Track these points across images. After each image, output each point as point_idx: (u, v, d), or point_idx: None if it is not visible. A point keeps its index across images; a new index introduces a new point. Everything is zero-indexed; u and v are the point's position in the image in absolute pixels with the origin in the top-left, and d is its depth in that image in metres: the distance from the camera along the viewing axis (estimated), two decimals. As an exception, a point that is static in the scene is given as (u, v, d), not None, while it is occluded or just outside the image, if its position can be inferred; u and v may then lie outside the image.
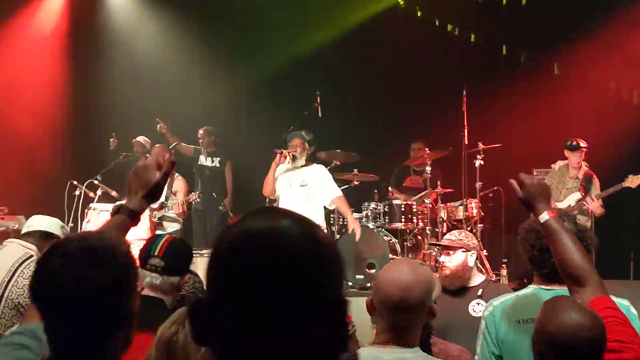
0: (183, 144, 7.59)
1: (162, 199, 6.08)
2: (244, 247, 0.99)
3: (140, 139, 7.35)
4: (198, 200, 6.53)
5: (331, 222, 6.45)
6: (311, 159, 5.98)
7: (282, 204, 5.52)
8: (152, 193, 1.66)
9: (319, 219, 5.56)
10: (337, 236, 6.24)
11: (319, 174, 5.81)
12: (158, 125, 7.40)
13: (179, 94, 8.20)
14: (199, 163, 7.60)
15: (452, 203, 7.06)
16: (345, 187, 6.50)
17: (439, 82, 7.95)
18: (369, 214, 6.74)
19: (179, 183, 6.69)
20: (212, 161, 7.65)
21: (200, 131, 7.62)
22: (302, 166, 5.88)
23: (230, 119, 8.48)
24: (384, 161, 7.88)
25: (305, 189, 5.79)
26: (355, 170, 6.87)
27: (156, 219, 6.50)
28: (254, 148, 7.89)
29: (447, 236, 3.79)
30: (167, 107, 7.93)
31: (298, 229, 1.03)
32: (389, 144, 8.12)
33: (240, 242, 0.99)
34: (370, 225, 6.48)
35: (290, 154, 5.80)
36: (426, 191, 6.99)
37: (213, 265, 1.01)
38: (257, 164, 6.87)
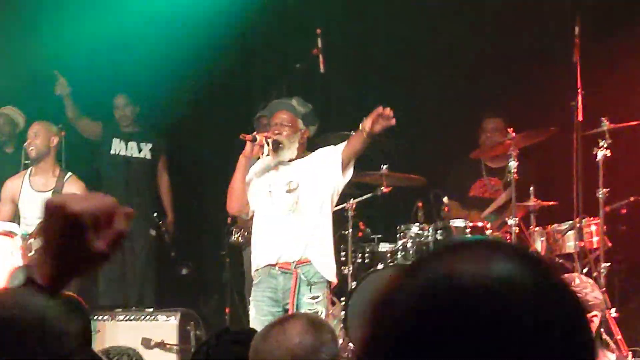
0: (86, 119, 7.17)
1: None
2: (448, 309, 0.95)
3: (7, 110, 6.94)
4: None
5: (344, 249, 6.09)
6: (306, 149, 5.48)
7: (259, 225, 5.23)
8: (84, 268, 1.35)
9: (322, 244, 5.19)
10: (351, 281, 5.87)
11: (320, 163, 5.29)
12: (58, 83, 6.96)
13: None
14: (110, 152, 7.19)
15: (555, 226, 6.40)
16: (364, 197, 6.24)
17: (528, 13, 7.52)
18: (409, 245, 6.14)
19: (72, 188, 6.24)
20: (137, 148, 7.24)
21: (117, 99, 7.26)
22: (291, 160, 5.30)
23: (166, 82, 7.49)
24: (434, 152, 7.51)
25: (293, 196, 5.23)
26: (384, 167, 6.26)
27: (33, 253, 5.70)
28: (209, 132, 7.68)
29: None
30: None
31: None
32: (443, 121, 7.65)
33: (441, 301, 0.96)
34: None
35: (270, 140, 5.22)
36: (508, 205, 6.27)
37: (388, 338, 0.98)
38: (215, 159, 7.02)
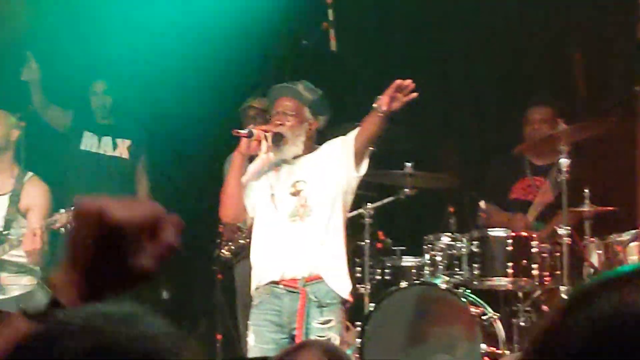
0: (56, 107, 7.09)
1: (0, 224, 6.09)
2: (629, 344, 1.04)
3: None
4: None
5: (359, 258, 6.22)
6: (314, 144, 5.42)
7: (260, 235, 5.14)
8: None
9: (335, 257, 5.04)
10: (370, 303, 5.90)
11: (329, 158, 5.23)
12: (27, 66, 6.85)
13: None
14: (80, 147, 7.11)
15: (615, 236, 6.21)
16: (384, 202, 6.32)
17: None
18: (439, 259, 6.20)
19: (33, 191, 6.25)
20: (112, 145, 7.16)
21: (95, 86, 7.15)
22: (296, 157, 5.25)
23: (148, 67, 7.55)
24: (468, 147, 7.59)
25: (300, 199, 5.15)
26: (409, 165, 6.27)
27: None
28: (198, 127, 7.57)
29: None
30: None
31: None
32: (480, 110, 7.69)
33: (620, 336, 1.04)
34: (441, 282, 6.12)
35: (270, 134, 5.13)
36: (558, 210, 6.28)
37: None
38: (205, 159, 7.14)
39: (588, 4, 7.49)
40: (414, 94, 5.06)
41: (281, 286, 4.82)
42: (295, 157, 5.22)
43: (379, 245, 6.28)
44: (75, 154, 7.07)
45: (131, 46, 7.39)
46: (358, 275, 6.06)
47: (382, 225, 6.29)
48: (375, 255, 6.19)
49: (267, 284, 4.85)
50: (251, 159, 5.47)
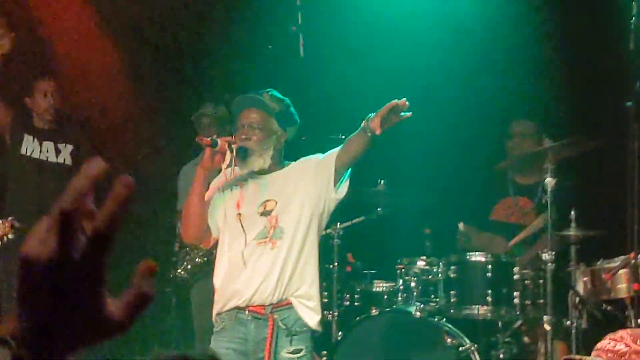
0: None
1: None
2: None
3: None
4: (10, 237, 5.58)
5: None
6: (283, 157, 5.20)
7: (224, 257, 4.92)
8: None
9: (307, 282, 4.84)
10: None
11: (305, 175, 5.05)
12: None
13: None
14: (19, 151, 6.96)
15: (602, 262, 6.07)
16: (355, 221, 6.21)
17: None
18: (413, 284, 6.12)
19: None
20: (55, 150, 7.00)
21: (39, 83, 6.96)
22: (263, 172, 5.03)
23: (94, 66, 7.55)
24: (447, 163, 7.34)
25: (270, 219, 4.96)
26: (382, 182, 6.24)
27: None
28: (152, 134, 7.49)
29: (600, 345, 3.26)
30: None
31: None
32: (459, 124, 7.40)
33: None
34: (415, 309, 6.00)
35: (234, 145, 4.95)
36: (542, 233, 6.23)
37: None
38: (160, 170, 6.87)
39: (576, 17, 7.39)
40: (408, 114, 4.90)
41: (247, 312, 4.59)
42: (263, 173, 5.04)
43: (348, 268, 6.12)
44: (14, 157, 6.90)
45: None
46: (325, 300, 5.90)
47: (352, 246, 6.17)
48: (344, 279, 6.10)
49: (231, 310, 4.62)
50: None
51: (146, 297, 1.19)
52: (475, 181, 6.90)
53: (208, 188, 5.14)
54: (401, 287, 6.02)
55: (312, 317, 4.67)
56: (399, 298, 6.01)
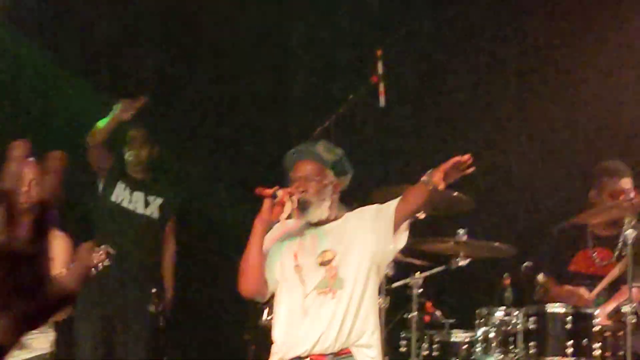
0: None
1: None
2: None
3: None
4: (106, 264, 5.47)
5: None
6: (339, 207, 5.19)
7: (283, 308, 4.87)
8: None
9: (368, 331, 4.74)
10: None
11: (364, 225, 4.98)
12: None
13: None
14: (111, 199, 6.92)
15: None
16: (434, 271, 6.13)
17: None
18: (492, 335, 6.04)
19: (54, 243, 5.59)
20: (144, 202, 6.98)
21: (133, 132, 6.91)
22: (321, 222, 4.99)
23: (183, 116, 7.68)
24: (525, 214, 7.38)
25: (329, 269, 4.88)
26: (462, 232, 6.12)
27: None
28: (229, 188, 7.45)
29: None
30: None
31: None
32: (539, 175, 7.42)
33: None
34: None
35: (295, 197, 4.92)
36: (622, 285, 6.08)
37: None
38: (240, 221, 6.22)
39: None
40: (471, 169, 4.83)
41: None
42: (321, 223, 4.98)
43: (427, 317, 6.02)
44: (106, 202, 6.89)
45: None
46: (403, 349, 5.87)
47: (431, 296, 6.06)
48: (422, 328, 5.97)
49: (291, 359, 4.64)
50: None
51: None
52: (554, 232, 6.62)
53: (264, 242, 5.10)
54: (480, 337, 5.93)
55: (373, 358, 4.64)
56: (478, 348, 5.93)
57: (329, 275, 4.84)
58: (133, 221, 6.86)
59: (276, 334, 4.71)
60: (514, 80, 7.72)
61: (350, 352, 4.57)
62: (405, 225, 4.94)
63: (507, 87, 7.63)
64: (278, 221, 5.00)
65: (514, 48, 7.60)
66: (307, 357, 4.56)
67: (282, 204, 4.84)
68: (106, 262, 5.51)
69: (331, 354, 4.55)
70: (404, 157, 7.26)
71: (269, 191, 4.84)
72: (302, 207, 4.91)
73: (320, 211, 4.93)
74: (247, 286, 4.98)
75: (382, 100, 6.41)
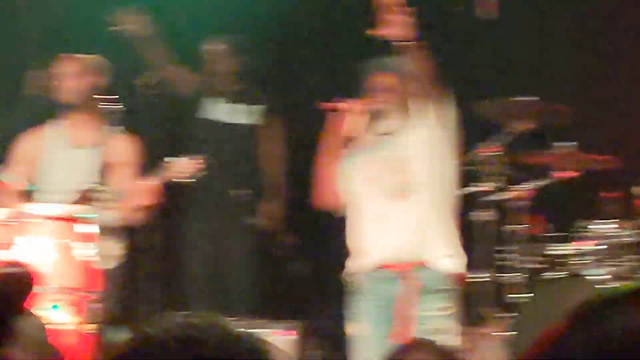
0: (179, 66, 6.73)
1: (88, 178, 5.36)
2: None
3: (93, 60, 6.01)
4: (201, 174, 5.57)
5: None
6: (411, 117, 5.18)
7: (358, 218, 4.92)
8: None
9: (447, 236, 4.79)
10: None
11: (434, 131, 4.99)
12: (138, 22, 6.42)
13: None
14: (204, 116, 6.80)
15: None
16: (543, 183, 6.06)
17: None
18: (602, 247, 5.96)
19: (123, 146, 5.74)
20: (245, 113, 6.88)
21: (215, 45, 6.81)
22: (393, 133, 5.03)
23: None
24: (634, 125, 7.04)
25: (402, 177, 4.97)
26: (571, 144, 6.10)
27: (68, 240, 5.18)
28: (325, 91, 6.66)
29: None
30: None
31: None
32: None
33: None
34: (604, 273, 5.87)
35: (366, 110, 5.00)
36: None
37: None
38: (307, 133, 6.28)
39: None
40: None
41: (386, 270, 4.60)
42: (394, 134, 5.06)
43: (535, 230, 5.99)
44: (200, 120, 6.86)
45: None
46: (508, 262, 5.86)
47: (539, 208, 6.00)
48: (527, 241, 5.94)
49: (370, 270, 4.65)
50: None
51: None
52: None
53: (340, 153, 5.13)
54: (588, 250, 5.88)
55: (453, 273, 4.62)
56: (587, 261, 5.87)
57: (404, 182, 4.91)
58: (235, 133, 6.85)
59: (350, 244, 4.78)
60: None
61: (429, 261, 4.56)
62: None
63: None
64: (349, 133, 5.08)
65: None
66: (384, 266, 4.60)
67: (350, 112, 4.94)
68: (202, 174, 5.58)
69: (410, 262, 4.57)
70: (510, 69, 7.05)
71: (337, 105, 4.94)
72: (375, 117, 5.00)
73: (392, 122, 5.00)
74: (321, 198, 5.10)
75: (482, 11, 6.33)
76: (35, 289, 3.58)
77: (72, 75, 5.63)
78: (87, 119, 5.55)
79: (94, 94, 5.50)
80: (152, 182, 5.50)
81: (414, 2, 5.32)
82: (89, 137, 5.54)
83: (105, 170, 5.67)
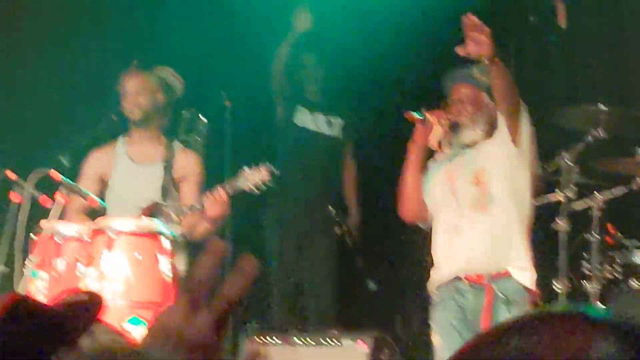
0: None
1: (154, 194, 5.52)
2: None
3: (163, 72, 5.92)
4: (268, 184, 5.39)
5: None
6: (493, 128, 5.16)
7: (440, 229, 4.92)
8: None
9: (522, 249, 4.75)
10: None
11: (510, 143, 4.97)
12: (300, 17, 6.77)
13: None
14: (292, 120, 6.89)
15: None
16: (618, 191, 5.89)
17: None
18: None
19: (186, 160, 5.75)
20: (327, 122, 6.92)
21: (306, 58, 7.00)
22: (474, 144, 5.01)
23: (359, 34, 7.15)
24: None
25: (480, 188, 4.93)
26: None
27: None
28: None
29: None
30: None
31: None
32: None
33: None
34: None
35: (446, 121, 4.98)
36: None
37: None
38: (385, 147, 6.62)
39: None
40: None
41: (465, 282, 4.61)
42: (474, 144, 5.04)
43: (609, 239, 5.84)
44: (290, 129, 6.92)
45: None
46: (586, 271, 5.66)
47: (613, 217, 5.86)
48: (603, 250, 5.77)
49: (450, 281, 4.66)
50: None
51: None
52: None
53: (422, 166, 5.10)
54: None
55: (529, 285, 4.59)
56: None
57: (482, 193, 4.88)
58: (317, 142, 6.90)
59: (435, 256, 4.78)
60: None
61: (508, 272, 4.55)
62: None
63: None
64: (433, 144, 5.02)
65: None
66: (464, 277, 4.60)
67: (430, 127, 4.91)
68: (268, 183, 5.51)
69: (488, 273, 4.56)
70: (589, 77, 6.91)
71: (418, 116, 4.91)
72: (454, 130, 4.95)
73: (474, 133, 4.96)
74: (407, 211, 5.09)
75: (561, 22, 6.25)
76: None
77: (136, 92, 5.61)
78: (153, 135, 5.55)
79: (160, 110, 5.54)
80: (222, 194, 5.42)
81: (489, 18, 5.35)
82: (155, 153, 5.54)
83: (172, 185, 5.70)
